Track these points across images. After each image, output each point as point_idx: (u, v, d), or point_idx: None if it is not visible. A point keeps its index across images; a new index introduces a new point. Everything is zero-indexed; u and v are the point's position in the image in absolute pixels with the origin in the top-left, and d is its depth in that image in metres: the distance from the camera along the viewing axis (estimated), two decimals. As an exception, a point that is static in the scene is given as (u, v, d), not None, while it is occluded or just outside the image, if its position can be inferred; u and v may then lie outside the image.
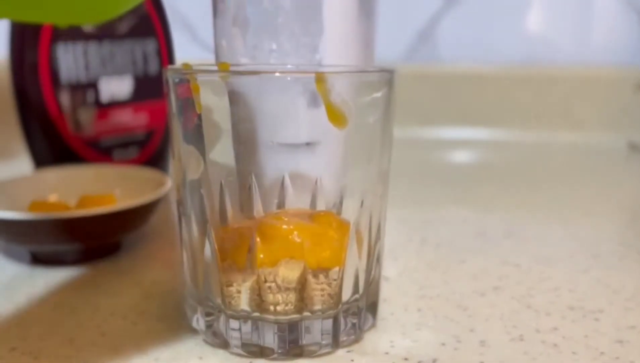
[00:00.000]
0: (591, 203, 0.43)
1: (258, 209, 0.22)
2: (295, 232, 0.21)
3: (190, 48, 0.70)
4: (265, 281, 0.22)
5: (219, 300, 0.22)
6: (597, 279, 0.29)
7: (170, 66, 0.23)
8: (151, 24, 0.45)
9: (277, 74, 0.22)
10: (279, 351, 0.22)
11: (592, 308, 0.26)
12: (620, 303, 0.27)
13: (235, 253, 0.22)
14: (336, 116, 0.21)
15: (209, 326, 0.23)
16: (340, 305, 0.22)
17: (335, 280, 0.22)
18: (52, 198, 0.36)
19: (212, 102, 0.22)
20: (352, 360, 0.22)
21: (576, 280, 0.29)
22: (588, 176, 0.51)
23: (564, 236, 0.36)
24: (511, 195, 0.45)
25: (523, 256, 0.32)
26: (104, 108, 0.43)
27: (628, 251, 0.34)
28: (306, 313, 0.22)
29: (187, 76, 0.22)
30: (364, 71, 0.24)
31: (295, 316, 0.22)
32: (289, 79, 0.22)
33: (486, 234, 0.36)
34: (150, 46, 0.45)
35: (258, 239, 0.21)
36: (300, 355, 0.22)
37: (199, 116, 0.22)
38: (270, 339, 0.22)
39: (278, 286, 0.22)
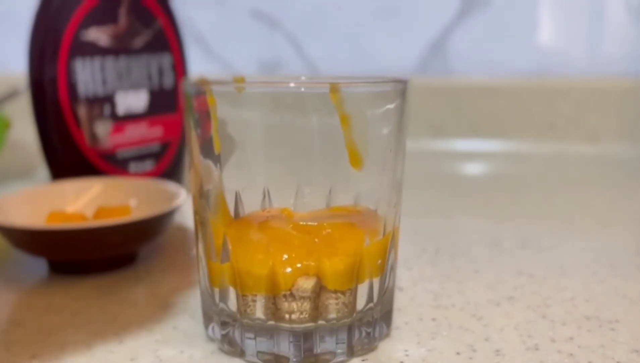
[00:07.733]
0: (606, 213, 0.43)
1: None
2: (312, 241, 0.22)
3: (204, 62, 0.71)
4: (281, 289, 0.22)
5: (234, 309, 0.23)
6: (613, 289, 0.29)
7: (187, 79, 0.24)
8: (166, 39, 0.46)
9: (291, 85, 0.22)
10: (294, 359, 0.22)
11: (608, 317, 0.26)
12: (636, 313, 0.27)
13: (251, 262, 0.22)
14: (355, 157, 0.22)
15: (224, 335, 0.23)
16: (354, 314, 0.23)
17: (349, 289, 0.22)
18: (70, 209, 0.36)
19: (228, 114, 0.22)
20: (367, 369, 0.22)
21: (592, 290, 0.29)
22: (602, 187, 0.51)
23: (579, 246, 0.36)
24: (525, 205, 0.45)
25: (538, 266, 0.32)
26: (120, 121, 0.43)
27: (644, 261, 0.33)
28: (321, 322, 0.22)
29: (204, 88, 0.22)
30: (377, 81, 0.24)
31: (310, 324, 0.22)
32: (303, 90, 0.22)
33: (501, 244, 0.36)
34: (165, 60, 0.46)
35: (274, 249, 0.22)
36: (315, 363, 0.22)
37: (216, 128, 0.22)
38: (285, 347, 0.22)
39: (293, 295, 0.22)
